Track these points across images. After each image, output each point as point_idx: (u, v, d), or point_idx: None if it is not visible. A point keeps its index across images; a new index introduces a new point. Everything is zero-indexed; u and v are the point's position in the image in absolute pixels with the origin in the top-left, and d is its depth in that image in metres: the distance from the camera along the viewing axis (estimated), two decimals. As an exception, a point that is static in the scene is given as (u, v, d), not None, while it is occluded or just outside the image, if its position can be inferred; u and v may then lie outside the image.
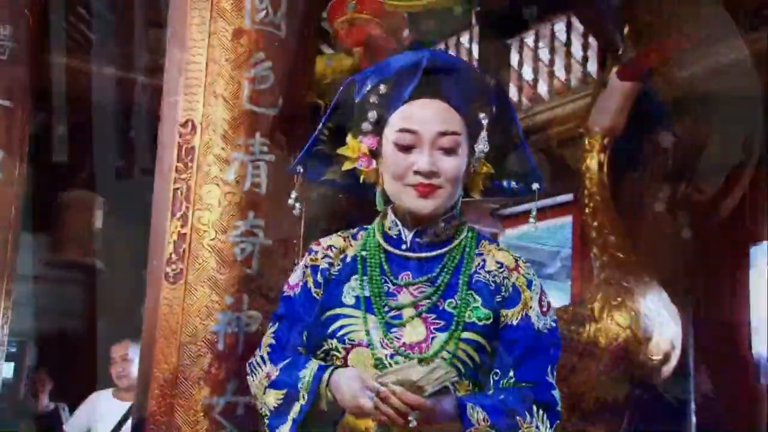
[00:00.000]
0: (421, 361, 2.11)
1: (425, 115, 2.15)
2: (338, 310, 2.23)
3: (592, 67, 7.00)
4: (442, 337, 2.15)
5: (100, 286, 10.40)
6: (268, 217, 3.73)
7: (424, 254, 2.24)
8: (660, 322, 5.15)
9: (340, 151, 2.30)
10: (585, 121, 5.62)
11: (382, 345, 2.18)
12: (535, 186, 2.31)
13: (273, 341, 2.30)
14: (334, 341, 2.22)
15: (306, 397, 2.07)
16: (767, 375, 5.67)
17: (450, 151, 2.14)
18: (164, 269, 3.66)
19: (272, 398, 2.18)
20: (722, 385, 5.76)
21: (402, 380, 1.98)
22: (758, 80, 5.66)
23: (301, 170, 2.36)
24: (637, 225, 5.74)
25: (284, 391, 2.14)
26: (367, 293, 2.22)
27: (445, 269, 2.22)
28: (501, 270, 2.24)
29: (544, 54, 8.40)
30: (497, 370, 2.22)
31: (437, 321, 2.18)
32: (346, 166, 2.30)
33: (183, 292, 3.62)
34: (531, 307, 2.20)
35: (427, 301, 2.22)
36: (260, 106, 3.76)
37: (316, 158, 2.37)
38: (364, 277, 2.24)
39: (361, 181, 2.32)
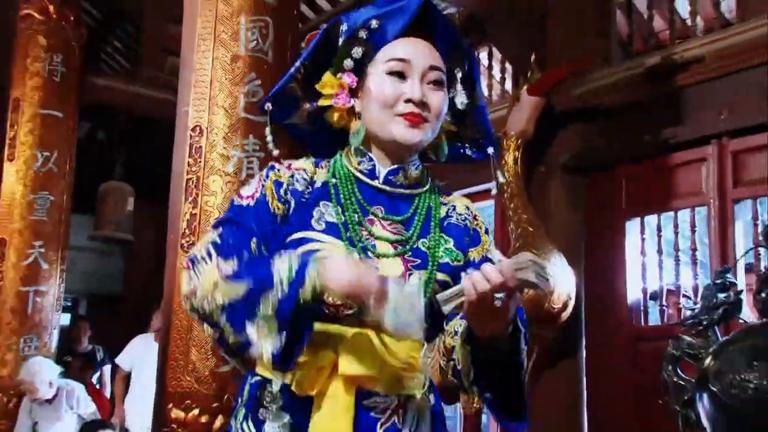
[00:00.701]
0: None
1: (416, 49, 1.81)
2: (306, 234, 1.78)
3: (509, 85, 6.97)
4: (419, 274, 1.79)
5: (131, 254, 10.50)
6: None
7: (398, 189, 1.86)
8: (560, 280, 5.15)
9: (318, 86, 1.88)
10: (504, 127, 5.62)
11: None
12: (491, 150, 1.99)
13: (218, 240, 1.73)
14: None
15: (287, 289, 1.55)
16: (638, 317, 5.65)
17: (438, 85, 1.80)
18: (180, 241, 3.72)
19: (227, 293, 1.61)
20: (606, 325, 5.75)
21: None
22: (630, 95, 5.75)
23: (269, 107, 1.92)
24: (542, 206, 5.72)
25: (245, 285, 1.59)
26: (337, 219, 1.80)
27: (419, 210, 1.87)
28: (468, 214, 1.94)
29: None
30: None
31: (413, 259, 1.83)
32: (322, 102, 1.87)
33: (194, 259, 3.59)
34: (489, 250, 1.92)
35: (408, 242, 1.84)
36: (253, 115, 3.77)
37: (285, 99, 1.93)
38: (338, 205, 1.81)
39: (326, 124, 1.91)
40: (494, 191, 2.06)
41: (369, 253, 1.78)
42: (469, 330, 1.67)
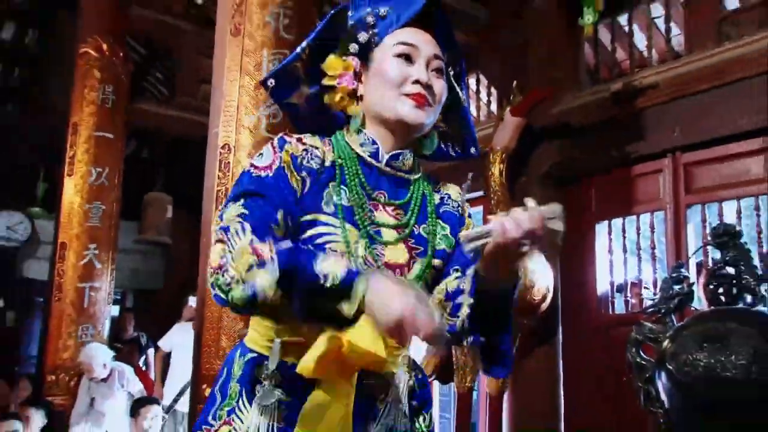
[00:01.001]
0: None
1: (423, 37, 1.65)
2: (317, 216, 1.59)
3: (494, 107, 6.96)
4: (421, 261, 1.65)
5: (169, 255, 10.41)
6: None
7: (399, 173, 1.68)
8: (540, 275, 5.14)
9: (324, 66, 1.71)
10: (490, 143, 5.63)
11: (365, 260, 1.58)
12: (473, 150, 1.86)
13: (246, 212, 1.48)
14: (310, 247, 1.54)
15: (327, 298, 1.35)
16: (606, 307, 5.66)
17: (440, 73, 1.65)
18: (212, 243, 3.60)
19: (265, 281, 1.36)
20: (579, 314, 5.76)
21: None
22: (598, 116, 5.75)
23: (272, 84, 1.76)
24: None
25: (284, 279, 1.36)
26: (345, 202, 1.61)
27: (414, 195, 1.70)
28: (461, 201, 1.79)
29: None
30: (457, 268, 1.69)
31: (416, 246, 1.67)
32: (327, 81, 1.69)
33: (225, 259, 3.59)
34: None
35: (407, 227, 1.68)
36: (274, 134, 3.59)
37: (287, 79, 1.76)
38: (343, 186, 1.62)
39: (323, 106, 1.74)
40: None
41: (375, 241, 1.62)
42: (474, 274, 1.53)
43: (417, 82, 1.60)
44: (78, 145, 6.47)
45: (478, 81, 7.35)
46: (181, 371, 6.19)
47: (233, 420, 1.55)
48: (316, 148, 1.64)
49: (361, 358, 1.42)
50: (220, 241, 1.45)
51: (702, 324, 3.64)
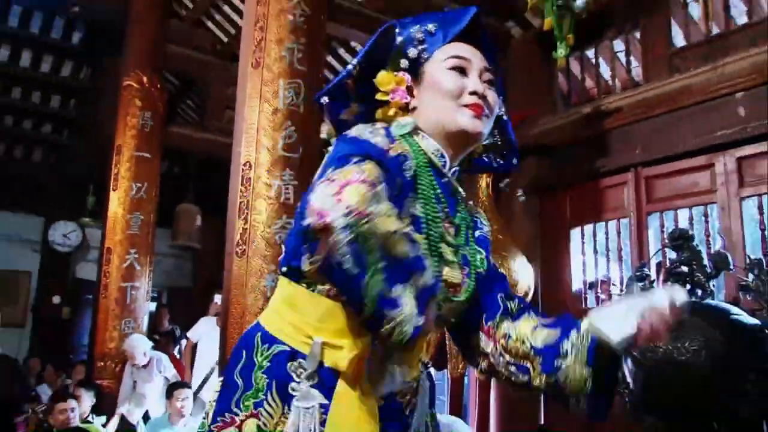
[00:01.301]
0: None
1: (473, 51, 1.50)
2: None
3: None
4: (468, 283, 1.47)
5: (198, 258, 10.46)
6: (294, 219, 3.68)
7: (456, 189, 1.49)
8: (522, 275, 5.13)
9: (376, 81, 1.51)
10: (477, 160, 5.62)
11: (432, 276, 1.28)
12: (515, 161, 1.70)
13: (383, 184, 1.19)
14: None
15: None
16: (580, 302, 5.67)
17: (491, 85, 1.50)
18: (235, 249, 3.67)
19: (398, 248, 1.12)
20: (557, 309, 5.73)
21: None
22: (571, 136, 5.74)
23: (326, 101, 1.56)
24: (508, 218, 5.72)
25: (415, 253, 1.15)
26: (420, 213, 1.39)
27: (462, 215, 1.51)
28: (488, 226, 1.63)
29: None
30: (502, 294, 1.53)
31: (464, 267, 1.48)
32: (380, 96, 1.49)
33: (246, 262, 3.62)
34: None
35: (460, 247, 1.49)
36: (289, 153, 3.76)
37: (339, 95, 1.56)
38: (419, 196, 1.40)
39: (375, 120, 1.52)
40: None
41: (441, 258, 1.43)
42: (596, 349, 1.34)
43: (474, 93, 1.46)
44: (121, 163, 6.49)
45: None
46: (206, 359, 6.21)
47: (261, 414, 1.33)
48: (406, 153, 1.42)
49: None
50: (363, 182, 1.15)
51: (661, 315, 3.64)
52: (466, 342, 1.57)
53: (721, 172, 4.79)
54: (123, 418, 5.75)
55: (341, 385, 1.31)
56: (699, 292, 3.60)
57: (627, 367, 3.61)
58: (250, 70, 3.87)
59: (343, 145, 1.33)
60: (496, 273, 1.60)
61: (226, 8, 8.33)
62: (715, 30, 5.03)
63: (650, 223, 5.32)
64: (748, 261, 3.80)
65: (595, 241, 5.69)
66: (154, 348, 6.17)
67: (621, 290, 4.65)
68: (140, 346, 5.78)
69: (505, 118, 1.65)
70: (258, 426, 1.32)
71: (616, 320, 1.31)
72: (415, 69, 1.51)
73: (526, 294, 5.24)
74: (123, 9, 6.91)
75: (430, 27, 1.51)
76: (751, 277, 3.56)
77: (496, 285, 1.55)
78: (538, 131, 5.99)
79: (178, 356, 7.27)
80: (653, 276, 4.15)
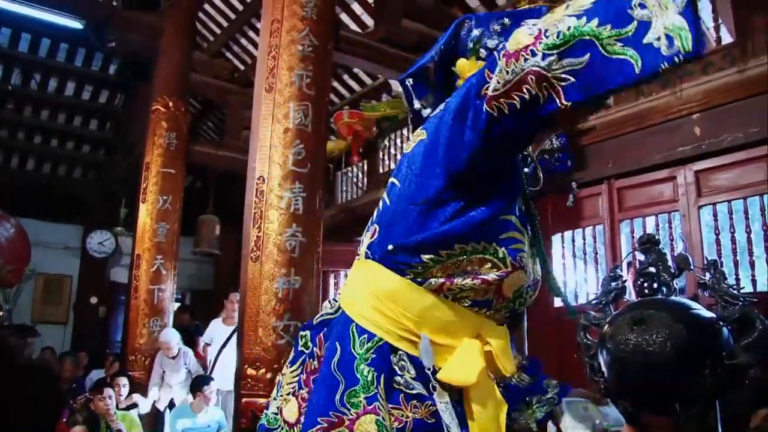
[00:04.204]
0: None
1: None
2: (509, 216, 1.25)
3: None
4: (549, 278, 1.34)
5: (218, 263, 10.51)
6: (303, 227, 3.70)
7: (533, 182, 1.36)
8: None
9: (456, 68, 1.40)
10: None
11: (530, 272, 1.28)
12: (570, 164, 1.50)
13: None
14: (501, 249, 1.22)
15: None
16: (563, 309, 5.64)
17: None
18: (250, 254, 3.66)
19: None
20: (541, 307, 5.69)
21: None
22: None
23: (411, 83, 1.46)
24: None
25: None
26: (522, 207, 1.29)
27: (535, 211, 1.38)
28: None
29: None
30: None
31: (541, 261, 1.39)
32: (461, 82, 1.35)
33: (260, 267, 3.61)
34: None
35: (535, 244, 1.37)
36: (298, 168, 3.75)
37: (420, 79, 1.47)
38: (519, 191, 1.30)
39: None
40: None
41: (538, 240, 1.33)
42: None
43: None
44: (149, 179, 6.48)
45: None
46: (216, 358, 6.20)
47: (379, 409, 1.18)
48: None
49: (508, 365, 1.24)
50: (521, 33, 1.08)
51: (631, 311, 3.60)
52: None
53: (682, 183, 4.83)
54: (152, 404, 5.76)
55: (471, 394, 1.20)
56: (664, 290, 3.58)
57: (602, 357, 3.60)
58: (263, 94, 3.87)
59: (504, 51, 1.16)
60: None
61: (243, 40, 8.39)
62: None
63: (622, 229, 5.32)
64: (705, 261, 3.81)
65: (573, 245, 5.68)
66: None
67: (597, 289, 4.61)
68: (173, 338, 5.80)
69: None
70: (377, 422, 1.17)
71: (579, 417, 1.33)
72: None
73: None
74: (152, 43, 6.95)
75: (506, 21, 1.43)
76: (708, 275, 3.55)
77: None
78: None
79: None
80: (625, 276, 4.14)
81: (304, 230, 3.67)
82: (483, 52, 1.42)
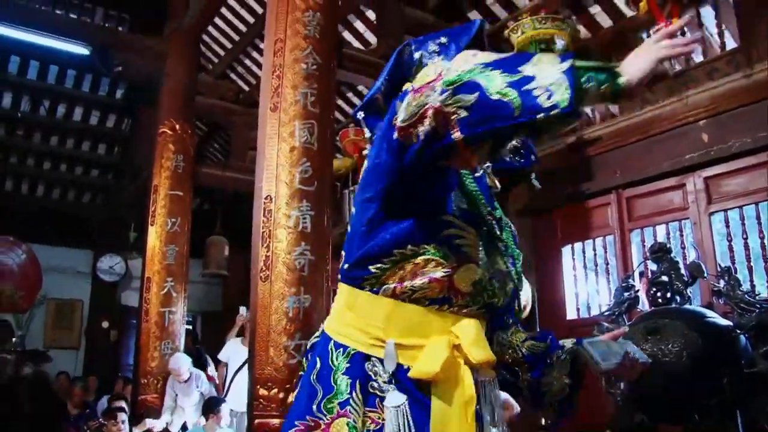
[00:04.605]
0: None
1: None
2: (445, 216, 1.30)
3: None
4: (515, 271, 1.43)
5: (227, 284, 10.47)
6: (312, 245, 3.68)
7: (491, 185, 1.45)
8: (522, 290, 5.03)
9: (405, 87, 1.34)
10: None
11: (485, 265, 1.31)
12: (533, 158, 1.67)
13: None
14: (443, 247, 1.27)
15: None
16: (572, 312, 5.59)
17: None
18: (259, 274, 3.63)
19: (494, 56, 1.10)
20: (552, 318, 5.68)
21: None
22: (558, 162, 5.67)
23: (363, 115, 1.51)
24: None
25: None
26: (466, 207, 1.35)
27: (502, 211, 1.46)
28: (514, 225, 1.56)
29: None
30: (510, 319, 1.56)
31: (509, 257, 1.45)
32: None
33: (270, 286, 3.59)
34: None
35: (503, 239, 1.45)
36: (305, 186, 3.73)
37: (372, 110, 1.50)
38: (461, 193, 1.36)
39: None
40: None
41: (491, 245, 1.38)
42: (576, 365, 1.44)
43: None
44: (158, 201, 6.49)
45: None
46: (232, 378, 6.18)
47: (350, 413, 1.26)
48: None
49: (481, 359, 1.28)
50: (423, 74, 1.19)
51: (645, 321, 3.60)
52: None
53: (692, 191, 4.80)
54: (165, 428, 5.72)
55: (436, 388, 1.26)
56: (678, 298, 3.55)
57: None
58: (268, 114, 3.87)
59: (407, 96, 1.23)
60: None
61: (247, 61, 8.44)
62: (678, 67, 5.06)
63: (632, 239, 5.28)
64: (719, 269, 3.78)
65: (584, 257, 5.64)
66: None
67: (609, 300, 4.58)
68: (183, 363, 5.76)
69: None
70: (348, 424, 1.26)
71: (605, 352, 1.39)
72: None
73: (525, 307, 5.17)
74: (157, 66, 7.01)
75: (443, 40, 1.49)
76: (722, 283, 3.54)
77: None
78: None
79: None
80: (637, 286, 4.11)
81: (312, 248, 3.64)
82: None
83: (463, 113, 1.09)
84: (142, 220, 7.01)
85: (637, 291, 3.95)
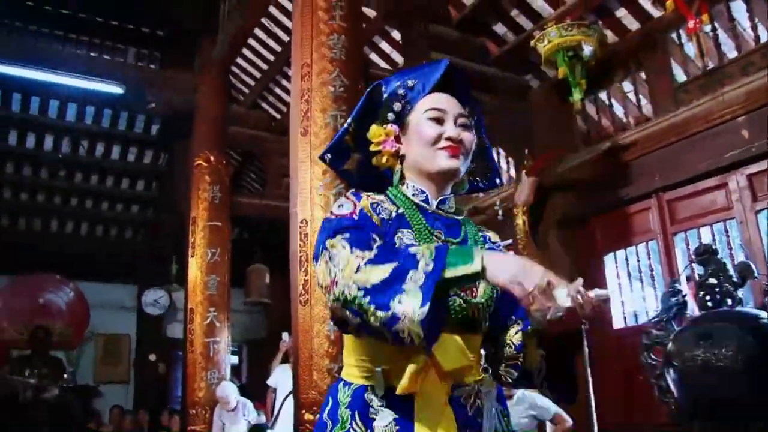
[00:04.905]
0: None
1: (448, 100, 1.53)
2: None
3: (512, 171, 6.87)
4: (484, 286, 1.45)
5: (269, 312, 10.47)
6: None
7: (449, 215, 1.54)
8: (566, 302, 4.96)
9: (369, 135, 1.55)
10: (513, 200, 5.59)
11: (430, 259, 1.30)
12: (498, 181, 1.69)
13: (348, 236, 1.31)
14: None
15: (432, 264, 1.17)
16: (619, 320, 5.47)
17: (467, 128, 1.51)
18: (299, 298, 3.61)
19: (375, 274, 1.20)
20: (599, 328, 5.57)
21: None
22: (594, 170, 5.64)
23: (329, 157, 1.59)
24: (544, 251, 5.63)
25: (391, 265, 1.20)
26: (412, 240, 1.44)
27: (468, 235, 1.53)
28: (498, 245, 1.60)
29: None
30: (513, 317, 1.55)
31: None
32: (373, 147, 1.54)
33: (310, 310, 3.56)
34: None
35: None
36: None
37: (340, 151, 1.59)
38: (410, 230, 1.44)
39: (372, 168, 1.57)
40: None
41: None
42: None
43: (449, 138, 1.48)
44: (197, 233, 6.57)
45: (498, 153, 7.32)
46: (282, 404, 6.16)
47: None
48: (383, 202, 1.48)
49: (452, 372, 1.34)
50: (325, 262, 1.30)
51: (696, 326, 3.49)
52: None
53: (735, 189, 4.68)
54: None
55: (417, 399, 1.33)
56: (729, 301, 3.44)
57: (670, 377, 3.46)
58: (299, 138, 3.87)
59: (319, 236, 1.40)
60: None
61: (277, 89, 8.56)
62: (711, 64, 4.98)
63: (676, 243, 5.17)
64: (771, 268, 3.66)
65: (627, 264, 5.54)
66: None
67: (657, 307, 4.47)
68: (231, 392, 5.81)
69: (487, 145, 1.68)
70: None
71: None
72: (402, 119, 1.55)
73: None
74: (190, 100, 7.14)
75: (410, 83, 1.55)
76: (775, 282, 3.42)
77: (506, 301, 1.50)
78: (563, 169, 5.91)
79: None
80: (685, 290, 4.00)
81: (348, 271, 3.62)
82: (390, 116, 1.54)
83: (353, 322, 1.26)
84: (183, 252, 7.10)
85: (685, 295, 3.84)
